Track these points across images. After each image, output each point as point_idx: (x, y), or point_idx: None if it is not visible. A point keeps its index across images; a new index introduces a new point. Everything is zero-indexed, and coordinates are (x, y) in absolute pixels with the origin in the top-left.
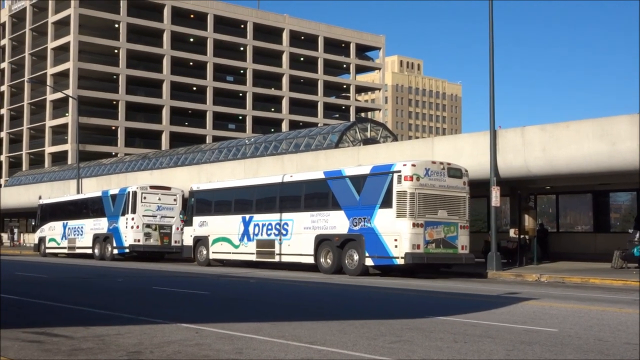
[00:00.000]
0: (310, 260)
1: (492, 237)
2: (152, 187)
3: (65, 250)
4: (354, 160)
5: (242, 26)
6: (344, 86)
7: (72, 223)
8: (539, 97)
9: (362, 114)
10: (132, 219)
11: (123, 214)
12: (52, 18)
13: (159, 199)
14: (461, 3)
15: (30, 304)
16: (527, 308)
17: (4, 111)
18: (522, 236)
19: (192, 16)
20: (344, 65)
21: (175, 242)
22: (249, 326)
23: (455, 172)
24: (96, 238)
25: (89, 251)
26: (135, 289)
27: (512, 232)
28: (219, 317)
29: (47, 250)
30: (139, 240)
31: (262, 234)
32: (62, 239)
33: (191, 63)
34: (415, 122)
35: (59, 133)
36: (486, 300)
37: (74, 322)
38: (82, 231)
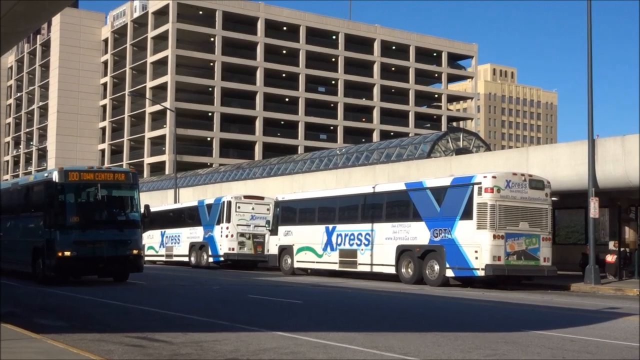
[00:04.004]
0: (392, 270)
1: (590, 250)
2: (245, 197)
3: (163, 258)
4: (446, 171)
5: (334, 37)
6: (436, 95)
7: (169, 231)
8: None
9: (454, 124)
10: (227, 228)
11: (218, 223)
12: (151, 33)
13: (253, 209)
14: (555, 8)
15: (134, 310)
16: (628, 324)
17: (106, 123)
18: (622, 249)
19: (284, 28)
20: (436, 75)
21: (268, 250)
22: (342, 336)
23: (537, 183)
24: (192, 246)
25: (185, 259)
26: (231, 297)
27: (612, 245)
28: (312, 326)
29: (146, 258)
30: (233, 249)
31: (344, 244)
32: (160, 247)
33: (284, 74)
34: (508, 131)
35: (157, 144)
36: (584, 315)
37: (173, 328)
38: (179, 239)
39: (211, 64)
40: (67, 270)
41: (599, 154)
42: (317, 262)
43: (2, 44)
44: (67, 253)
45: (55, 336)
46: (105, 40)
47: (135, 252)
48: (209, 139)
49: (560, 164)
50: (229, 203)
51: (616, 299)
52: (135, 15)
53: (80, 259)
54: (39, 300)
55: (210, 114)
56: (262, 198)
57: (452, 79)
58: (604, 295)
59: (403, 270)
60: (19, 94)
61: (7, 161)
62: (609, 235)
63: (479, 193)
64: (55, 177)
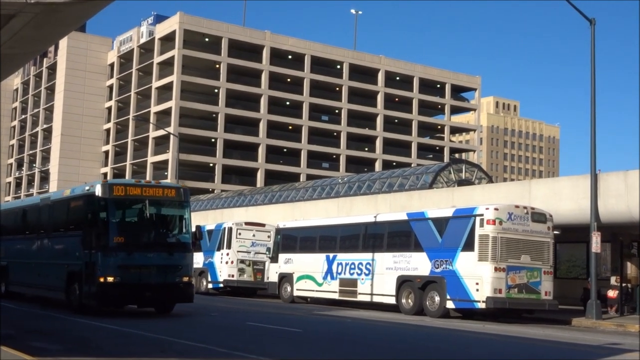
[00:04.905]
0: (392, 300)
1: (592, 284)
2: (247, 224)
3: None
4: (449, 201)
5: (338, 67)
6: (439, 127)
7: None
8: None
9: (456, 155)
10: (227, 254)
11: (218, 249)
12: (157, 59)
13: (254, 235)
14: (559, 43)
15: (131, 334)
16: None
17: (109, 147)
18: (624, 284)
19: (289, 57)
20: (439, 106)
21: (267, 278)
22: None
23: (539, 216)
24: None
25: None
26: (229, 324)
27: (614, 280)
28: (312, 354)
29: None
30: (233, 276)
31: (345, 273)
32: None
33: (287, 102)
34: (510, 164)
35: (160, 169)
36: (586, 350)
37: (170, 354)
38: None
39: (216, 90)
40: (110, 298)
41: (601, 189)
42: (317, 291)
43: (5, 66)
44: (110, 279)
45: None
46: (111, 65)
47: (185, 279)
48: (211, 164)
49: (563, 197)
50: (230, 229)
51: (618, 334)
52: (142, 40)
53: (124, 286)
54: (89, 336)
55: (213, 140)
56: (263, 225)
57: (455, 110)
58: (605, 330)
59: (403, 300)
60: (23, 116)
61: (9, 183)
62: (610, 270)
63: (481, 225)
64: (98, 191)
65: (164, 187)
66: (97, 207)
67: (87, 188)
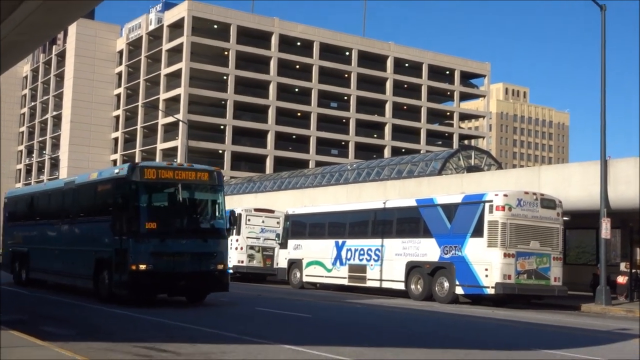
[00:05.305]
0: (401, 286)
1: (601, 271)
2: (256, 210)
3: None
4: (458, 188)
5: (347, 53)
6: (448, 113)
7: None
8: None
9: (466, 142)
10: (237, 240)
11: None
12: (165, 46)
13: (263, 222)
14: (569, 29)
15: (142, 320)
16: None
17: (118, 134)
18: (633, 270)
19: (298, 44)
20: (448, 93)
21: (277, 264)
22: (351, 350)
23: (548, 202)
24: None
25: None
26: (239, 309)
27: (623, 266)
28: (321, 340)
29: None
30: (242, 262)
31: (354, 259)
32: None
33: (296, 89)
34: (520, 150)
35: (169, 156)
36: (595, 336)
37: (180, 339)
38: None
39: (224, 77)
40: (142, 287)
41: (611, 175)
42: (326, 277)
43: (14, 53)
44: (143, 267)
45: None
46: (120, 52)
47: (220, 267)
48: (220, 151)
49: (572, 183)
50: (239, 216)
51: (627, 320)
52: (151, 27)
53: (157, 275)
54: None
55: (222, 127)
56: (272, 211)
57: (464, 97)
58: (614, 316)
59: (412, 286)
60: (33, 103)
61: (20, 169)
62: (620, 256)
63: (490, 211)
64: (128, 174)
65: (197, 170)
66: (128, 191)
67: (116, 171)
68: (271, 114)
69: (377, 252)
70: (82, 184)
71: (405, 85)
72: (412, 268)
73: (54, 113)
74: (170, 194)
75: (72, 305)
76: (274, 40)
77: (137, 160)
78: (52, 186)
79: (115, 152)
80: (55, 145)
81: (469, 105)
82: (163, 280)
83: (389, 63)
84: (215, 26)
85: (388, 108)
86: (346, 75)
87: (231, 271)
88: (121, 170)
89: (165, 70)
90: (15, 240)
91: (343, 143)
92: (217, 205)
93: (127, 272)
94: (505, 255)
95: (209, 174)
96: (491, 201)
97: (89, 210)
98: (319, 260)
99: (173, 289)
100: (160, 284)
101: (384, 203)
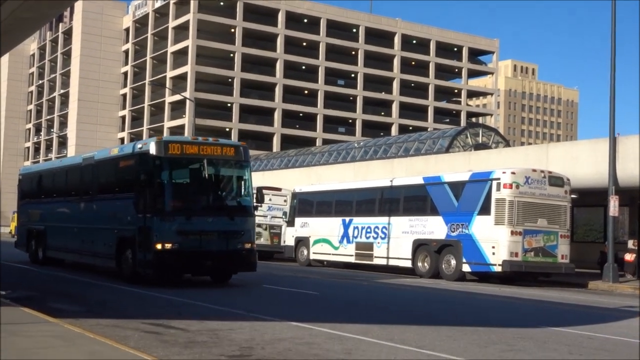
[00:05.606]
0: (408, 264)
1: (609, 248)
2: (263, 188)
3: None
4: (465, 166)
5: (354, 30)
6: (455, 90)
7: None
8: None
9: (473, 119)
10: None
11: None
12: (172, 23)
13: (270, 200)
14: (579, 5)
15: (151, 297)
16: None
17: (125, 112)
18: None
19: (305, 21)
20: (456, 70)
21: (284, 242)
22: (358, 327)
23: (556, 180)
24: None
25: None
26: (246, 287)
27: (631, 244)
28: (328, 317)
29: None
30: None
31: (361, 237)
32: None
33: (303, 67)
34: (528, 127)
35: (176, 133)
36: (602, 313)
37: (188, 316)
38: None
39: (231, 54)
40: (168, 267)
41: (620, 152)
42: (333, 254)
43: (19, 31)
44: (168, 245)
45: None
46: (127, 30)
47: (248, 246)
48: (227, 129)
49: (580, 161)
50: None
51: (634, 297)
52: (157, 5)
53: (183, 254)
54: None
55: (229, 105)
56: (279, 189)
57: (472, 74)
58: (622, 293)
59: (419, 264)
60: (40, 82)
61: (28, 147)
62: (628, 234)
63: (498, 189)
64: (152, 149)
65: (223, 145)
66: (152, 167)
67: (139, 146)
68: (278, 91)
69: (384, 230)
70: (102, 159)
71: (413, 63)
72: (419, 246)
73: (62, 91)
74: (196, 170)
75: (89, 284)
76: (281, 18)
77: (144, 139)
78: (69, 162)
79: (123, 130)
80: (63, 124)
81: (477, 83)
82: (189, 260)
83: (397, 40)
84: (222, 3)
85: (395, 85)
86: (353, 53)
87: None
88: (144, 145)
89: (172, 48)
90: (31, 218)
91: (350, 121)
92: (243, 182)
93: (152, 251)
94: (512, 232)
95: (235, 149)
96: (499, 179)
97: (109, 187)
98: (326, 238)
99: (199, 268)
100: (186, 263)
101: (391, 181)
